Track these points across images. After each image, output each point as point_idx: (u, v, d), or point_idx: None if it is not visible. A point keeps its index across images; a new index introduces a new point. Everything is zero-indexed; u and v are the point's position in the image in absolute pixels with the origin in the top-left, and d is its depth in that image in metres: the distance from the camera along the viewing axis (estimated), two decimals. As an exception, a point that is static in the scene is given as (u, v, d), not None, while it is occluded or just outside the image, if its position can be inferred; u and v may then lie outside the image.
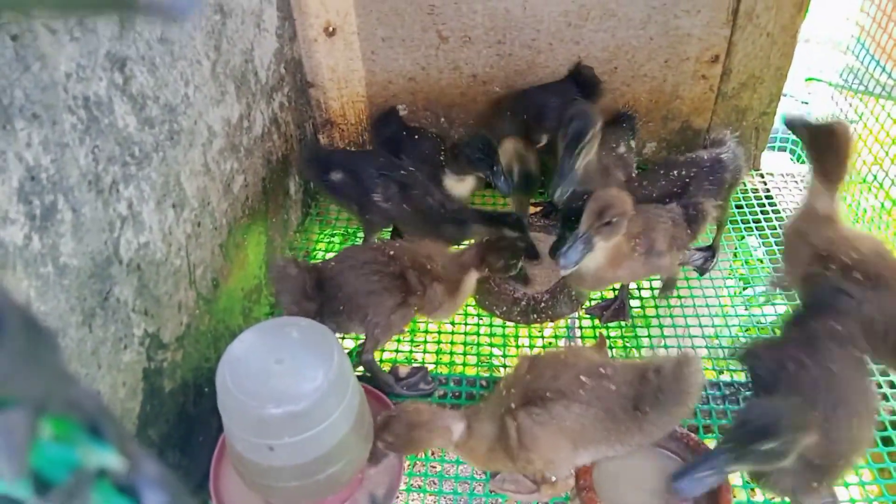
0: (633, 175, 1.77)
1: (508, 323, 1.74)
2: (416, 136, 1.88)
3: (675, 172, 1.65)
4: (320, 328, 1.20)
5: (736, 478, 1.31)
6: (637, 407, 1.13)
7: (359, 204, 1.71)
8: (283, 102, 1.83)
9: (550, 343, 1.94)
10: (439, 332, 1.72)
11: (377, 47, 1.98)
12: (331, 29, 1.95)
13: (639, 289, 1.79)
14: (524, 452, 1.13)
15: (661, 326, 1.67)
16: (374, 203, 1.67)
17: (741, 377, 1.54)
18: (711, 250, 1.83)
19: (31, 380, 0.27)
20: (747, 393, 1.46)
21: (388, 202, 1.67)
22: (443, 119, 2.10)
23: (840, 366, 1.13)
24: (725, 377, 1.59)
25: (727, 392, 1.46)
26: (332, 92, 2.09)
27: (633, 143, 1.85)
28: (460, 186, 1.77)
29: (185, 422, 1.24)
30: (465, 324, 1.72)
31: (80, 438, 0.30)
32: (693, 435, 1.27)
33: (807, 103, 2.69)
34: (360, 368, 1.61)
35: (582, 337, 1.80)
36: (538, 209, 2.00)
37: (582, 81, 1.91)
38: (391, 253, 1.43)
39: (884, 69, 1.94)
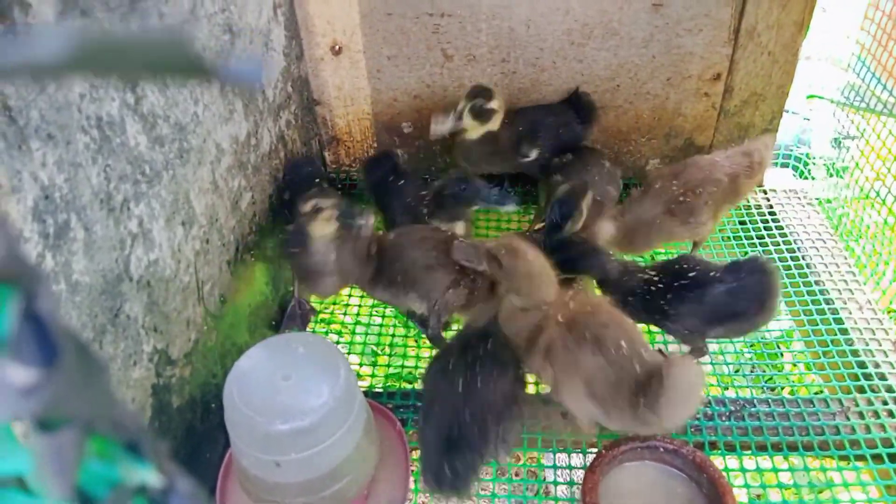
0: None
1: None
2: (402, 182, 1.79)
3: None
4: (327, 344, 1.21)
5: (742, 495, 1.31)
6: (637, 394, 1.14)
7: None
8: (289, 120, 1.86)
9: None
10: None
11: (383, 66, 2.01)
12: (337, 48, 1.98)
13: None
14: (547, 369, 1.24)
15: (665, 343, 1.68)
16: None
17: (747, 393, 1.55)
18: None
19: (82, 402, 0.28)
20: (753, 409, 1.46)
21: None
22: (448, 136, 2.12)
23: None
24: (731, 393, 1.59)
25: (732, 408, 1.46)
26: (338, 110, 2.11)
27: None
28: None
29: (193, 438, 1.25)
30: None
31: (121, 456, 0.31)
32: (699, 452, 1.26)
33: (809, 119, 2.70)
34: (366, 384, 1.62)
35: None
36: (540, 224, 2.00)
37: (579, 106, 1.93)
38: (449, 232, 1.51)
39: (884, 86, 1.96)
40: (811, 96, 2.71)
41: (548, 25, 1.90)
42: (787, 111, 2.17)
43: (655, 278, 1.44)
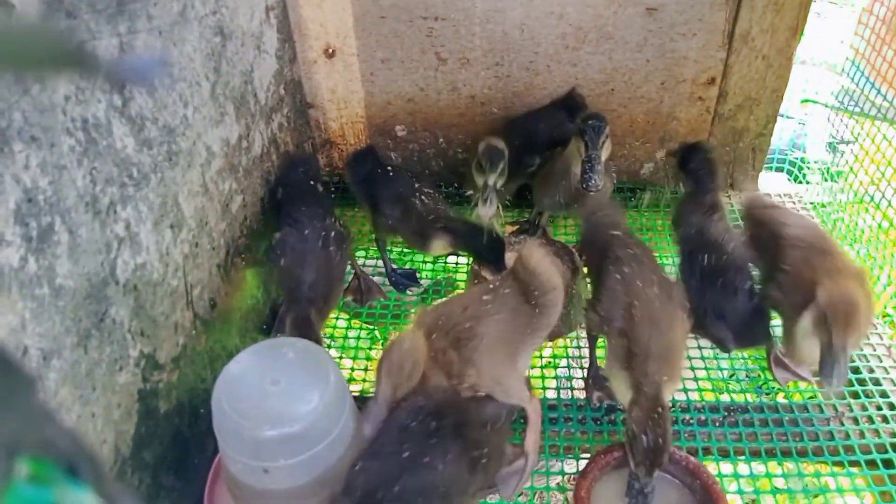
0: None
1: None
2: (392, 173, 1.77)
3: None
4: (316, 349, 1.20)
5: (736, 501, 1.30)
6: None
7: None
8: (282, 123, 1.85)
9: (549, 363, 1.93)
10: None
11: (376, 69, 2.00)
12: (330, 51, 1.97)
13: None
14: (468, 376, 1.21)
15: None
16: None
17: (741, 399, 1.54)
18: None
19: (4, 421, 0.27)
20: (747, 415, 1.45)
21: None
22: (441, 139, 2.12)
23: None
24: (725, 398, 1.58)
25: (726, 414, 1.45)
26: (331, 113, 2.10)
27: None
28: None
29: (180, 443, 1.23)
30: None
31: (57, 478, 0.30)
32: (692, 458, 1.26)
33: (804, 124, 2.70)
34: (357, 389, 1.61)
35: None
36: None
37: (571, 106, 1.92)
38: None
39: (878, 91, 1.96)
40: (806, 100, 2.70)
41: (542, 29, 1.89)
42: (782, 115, 2.17)
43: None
